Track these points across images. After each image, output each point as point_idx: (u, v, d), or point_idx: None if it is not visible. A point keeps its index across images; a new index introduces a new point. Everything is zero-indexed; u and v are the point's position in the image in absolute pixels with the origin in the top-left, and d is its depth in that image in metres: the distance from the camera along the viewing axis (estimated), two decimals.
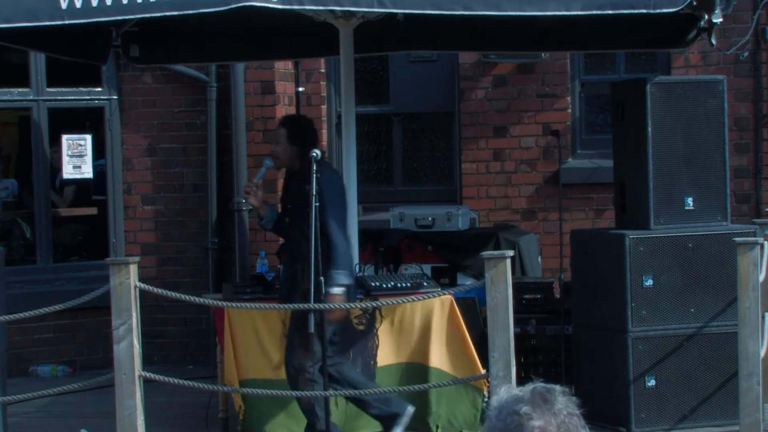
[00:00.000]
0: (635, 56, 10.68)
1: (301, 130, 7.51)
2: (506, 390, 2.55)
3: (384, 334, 7.72)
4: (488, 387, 7.66)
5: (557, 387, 2.52)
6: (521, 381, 7.62)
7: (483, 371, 7.60)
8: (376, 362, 7.75)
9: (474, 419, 7.75)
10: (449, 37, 8.93)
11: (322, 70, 10.93)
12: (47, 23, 6.75)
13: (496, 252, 6.80)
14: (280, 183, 10.71)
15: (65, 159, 10.75)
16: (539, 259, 9.79)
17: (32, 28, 6.99)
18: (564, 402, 2.50)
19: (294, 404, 7.54)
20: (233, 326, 7.76)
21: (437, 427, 7.75)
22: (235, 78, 10.59)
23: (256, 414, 7.71)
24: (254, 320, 7.71)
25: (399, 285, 7.69)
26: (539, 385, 2.52)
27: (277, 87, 10.72)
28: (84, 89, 10.85)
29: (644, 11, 6.57)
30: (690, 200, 7.79)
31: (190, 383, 7.15)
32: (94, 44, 8.79)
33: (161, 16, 6.76)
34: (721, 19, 7.27)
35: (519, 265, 9.18)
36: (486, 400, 7.70)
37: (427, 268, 8.64)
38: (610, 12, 6.65)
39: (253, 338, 7.73)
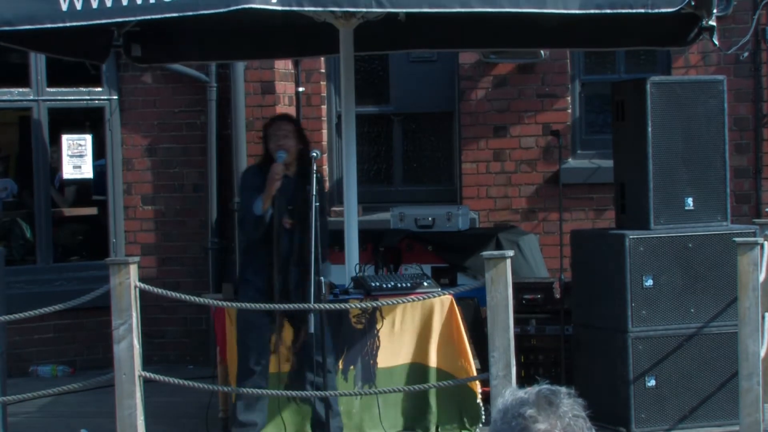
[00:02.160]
0: (635, 56, 10.68)
1: (303, 131, 7.52)
2: (511, 392, 2.54)
3: (385, 335, 7.72)
4: (482, 388, 7.70)
5: (562, 389, 2.51)
6: (521, 381, 7.65)
7: (475, 372, 7.62)
8: (376, 362, 7.75)
9: (472, 420, 7.74)
10: (449, 36, 8.93)
11: (322, 70, 10.93)
12: (48, 26, 6.75)
13: (496, 252, 6.82)
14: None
15: (65, 159, 10.76)
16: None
17: (33, 30, 6.99)
18: (569, 404, 2.49)
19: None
20: (234, 325, 7.76)
21: (436, 427, 7.75)
22: (235, 78, 10.60)
23: None
24: None
25: (399, 285, 7.70)
26: (544, 387, 2.51)
27: (277, 87, 10.72)
28: (84, 89, 10.86)
29: (642, 11, 6.58)
30: (690, 200, 7.79)
31: (190, 383, 7.15)
32: (95, 44, 8.80)
33: (161, 17, 6.77)
34: (714, 23, 7.27)
35: (525, 265, 9.18)
36: (479, 401, 7.70)
37: (427, 268, 8.64)
38: (608, 11, 6.66)
39: None
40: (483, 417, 7.69)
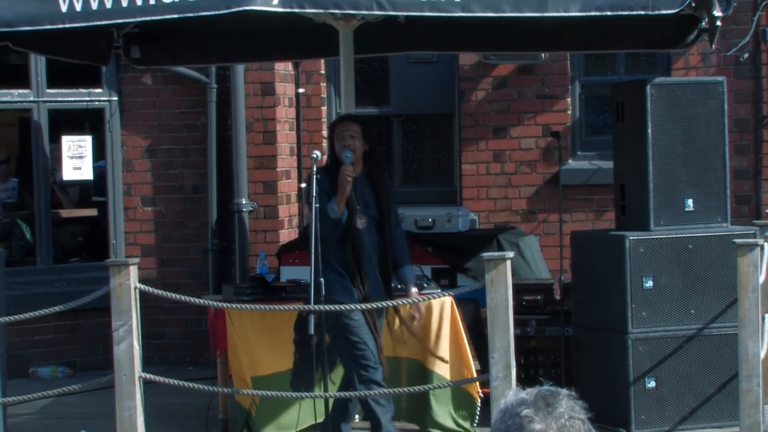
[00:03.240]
0: (635, 57, 10.68)
1: (370, 130, 7.46)
2: (514, 393, 2.55)
3: (384, 329, 7.75)
4: (480, 391, 7.71)
5: (563, 390, 2.52)
6: (522, 382, 7.64)
7: (474, 375, 7.64)
8: None
9: (469, 422, 7.75)
10: (449, 38, 8.94)
11: (322, 72, 10.94)
12: (48, 27, 6.75)
13: (496, 253, 6.81)
14: (283, 184, 10.75)
15: (65, 160, 10.76)
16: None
17: (35, 32, 6.99)
18: (568, 405, 2.50)
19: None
20: (235, 326, 7.77)
21: (435, 427, 7.76)
22: (235, 79, 10.60)
23: (268, 408, 7.74)
24: (254, 319, 7.73)
25: (399, 286, 7.70)
26: (544, 388, 2.52)
27: (277, 88, 10.72)
28: (84, 90, 10.86)
29: (642, 13, 6.57)
30: (690, 201, 7.79)
31: (191, 384, 7.15)
32: (97, 45, 8.81)
33: (161, 19, 6.77)
34: (718, 22, 7.26)
35: (525, 266, 9.18)
36: (479, 404, 7.72)
37: (427, 270, 8.63)
38: (608, 13, 6.65)
39: (256, 336, 7.76)
40: (477, 419, 7.70)
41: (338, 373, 7.72)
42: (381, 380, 7.10)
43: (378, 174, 7.33)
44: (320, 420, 7.56)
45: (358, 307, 7.11)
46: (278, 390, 7.47)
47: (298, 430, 7.76)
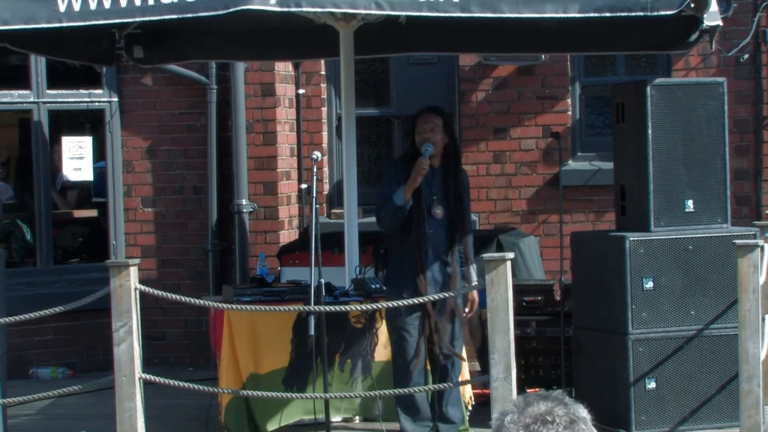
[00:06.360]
0: (635, 58, 10.68)
1: (451, 123, 7.53)
2: (508, 412, 2.50)
3: (384, 333, 7.76)
4: (482, 390, 7.72)
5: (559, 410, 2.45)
6: (521, 383, 7.64)
7: (468, 376, 7.64)
8: (373, 357, 7.80)
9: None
10: (450, 39, 8.94)
11: (323, 72, 10.94)
12: (45, 26, 6.74)
13: (496, 254, 6.81)
14: (283, 185, 10.75)
15: (65, 161, 10.76)
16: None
17: (37, 33, 6.99)
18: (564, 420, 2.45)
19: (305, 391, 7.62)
20: (233, 327, 7.77)
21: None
22: (235, 80, 10.60)
23: (261, 402, 7.76)
24: (253, 318, 7.74)
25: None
26: (543, 410, 2.47)
27: (277, 89, 10.72)
28: (84, 91, 10.86)
29: (641, 14, 6.57)
30: (690, 202, 7.78)
31: (191, 385, 7.15)
32: (100, 47, 8.81)
33: (159, 19, 6.76)
34: (719, 22, 7.25)
35: (524, 267, 9.18)
36: (470, 407, 7.73)
37: None
38: (607, 14, 6.65)
39: (255, 334, 7.77)
40: (467, 419, 7.70)
41: (335, 372, 7.74)
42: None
43: (456, 170, 7.37)
44: (320, 416, 7.57)
45: (370, 307, 7.12)
46: (273, 386, 7.49)
47: (287, 424, 7.79)
